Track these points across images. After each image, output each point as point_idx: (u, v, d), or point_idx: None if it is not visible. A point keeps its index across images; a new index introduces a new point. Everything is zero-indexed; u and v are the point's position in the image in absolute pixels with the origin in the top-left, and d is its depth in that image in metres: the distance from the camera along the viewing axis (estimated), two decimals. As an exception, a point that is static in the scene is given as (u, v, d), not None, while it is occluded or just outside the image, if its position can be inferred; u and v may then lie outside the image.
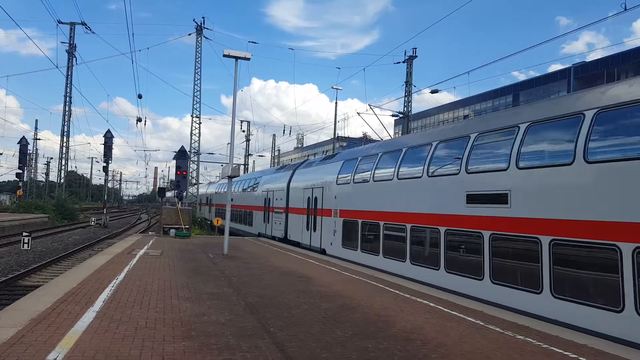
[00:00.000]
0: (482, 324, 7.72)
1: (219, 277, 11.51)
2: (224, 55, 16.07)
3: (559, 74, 61.37)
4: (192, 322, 7.03)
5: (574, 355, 6.12)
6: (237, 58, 16.35)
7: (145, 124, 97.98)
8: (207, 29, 43.01)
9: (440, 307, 8.89)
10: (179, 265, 13.21)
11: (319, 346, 6.16)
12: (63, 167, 49.26)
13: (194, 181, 47.42)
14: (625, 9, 11.61)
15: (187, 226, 24.37)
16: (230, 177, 17.07)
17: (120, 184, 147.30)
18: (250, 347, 5.94)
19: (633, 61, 50.79)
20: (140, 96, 38.85)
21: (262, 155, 72.46)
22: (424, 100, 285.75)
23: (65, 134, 47.75)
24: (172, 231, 23.96)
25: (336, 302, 8.95)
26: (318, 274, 12.55)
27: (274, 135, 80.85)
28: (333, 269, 13.81)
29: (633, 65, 49.83)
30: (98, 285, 9.60)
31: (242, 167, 64.66)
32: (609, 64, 53.84)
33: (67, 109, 47.22)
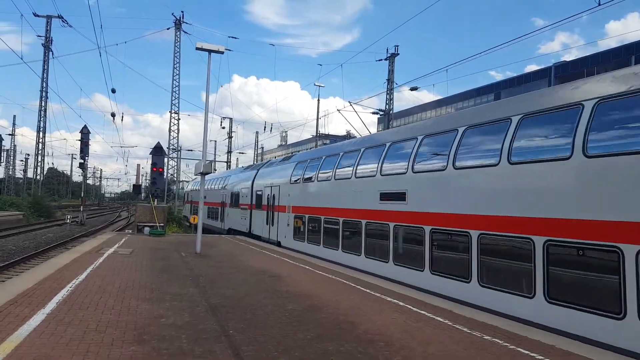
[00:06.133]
0: (450, 323, 7.53)
1: (187, 276, 11.15)
2: (197, 48, 15.67)
3: (540, 73, 61.98)
4: (147, 324, 6.69)
5: (540, 357, 5.95)
6: (210, 51, 15.93)
7: (122, 120, 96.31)
8: (187, 23, 42.58)
9: (410, 307, 8.67)
10: (146, 264, 12.80)
11: (277, 349, 5.88)
12: (39, 164, 48.28)
13: (175, 178, 46.75)
14: (599, 4, 11.51)
15: (162, 224, 23.86)
16: (202, 174, 16.66)
17: (100, 180, 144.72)
18: (204, 352, 5.64)
19: (612, 61, 51.47)
20: (114, 90, 38.04)
21: (243, 153, 72.02)
22: (403, 98, 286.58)
23: (41, 129, 46.82)
24: (147, 229, 23.42)
25: (304, 303, 8.68)
26: (290, 273, 12.25)
27: (257, 132, 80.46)
28: (307, 267, 13.53)
29: (612, 65, 50.37)
30: (56, 285, 9.17)
31: (225, 164, 63.99)
32: (588, 63, 54.50)
33: (42, 104, 46.26)
